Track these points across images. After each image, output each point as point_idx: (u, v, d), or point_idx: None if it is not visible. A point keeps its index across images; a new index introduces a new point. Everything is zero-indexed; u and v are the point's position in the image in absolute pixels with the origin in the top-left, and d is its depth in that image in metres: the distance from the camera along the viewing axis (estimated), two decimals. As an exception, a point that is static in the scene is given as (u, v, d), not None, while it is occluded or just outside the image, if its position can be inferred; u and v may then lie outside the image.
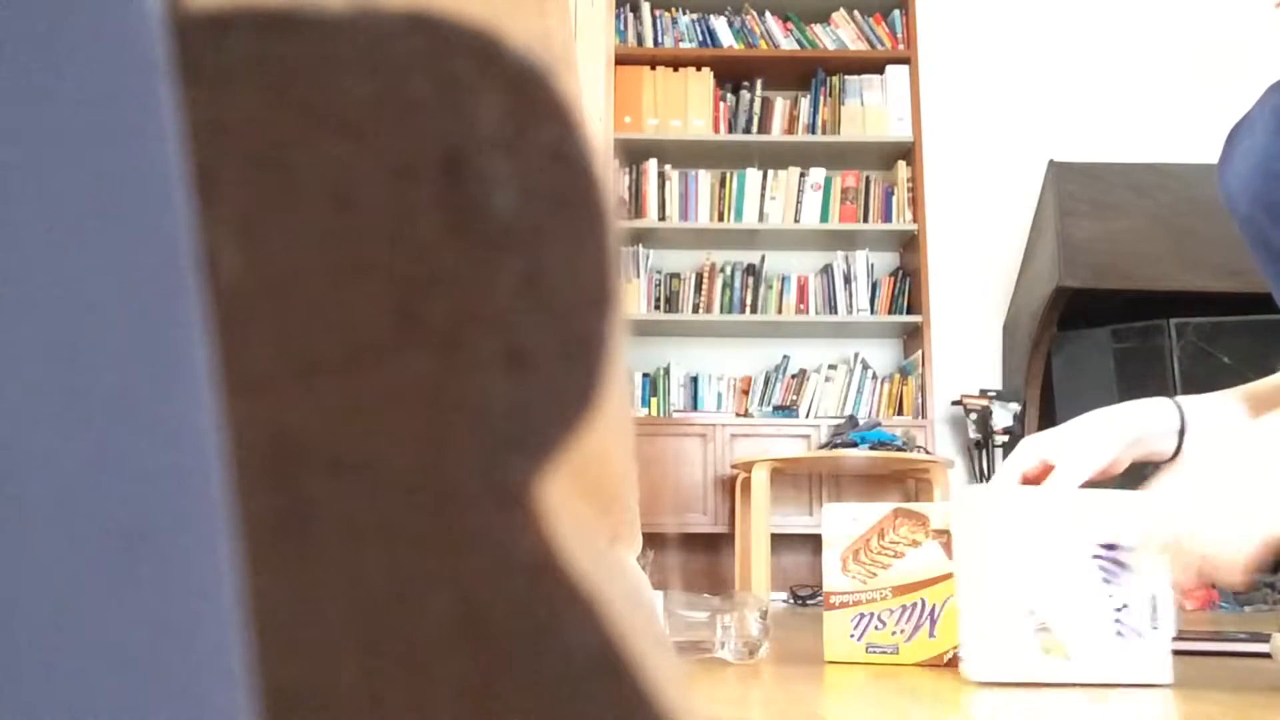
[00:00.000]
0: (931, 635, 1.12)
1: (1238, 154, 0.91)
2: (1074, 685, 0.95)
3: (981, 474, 3.61)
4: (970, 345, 4.03)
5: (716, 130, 4.01)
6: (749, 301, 3.94)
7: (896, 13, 4.12)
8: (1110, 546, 0.96)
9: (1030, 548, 0.96)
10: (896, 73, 4.06)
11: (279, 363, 0.18)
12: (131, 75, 0.12)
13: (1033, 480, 1.02)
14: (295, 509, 0.18)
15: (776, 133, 4.03)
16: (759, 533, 3.02)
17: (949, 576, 1.11)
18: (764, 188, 4.01)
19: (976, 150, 4.16)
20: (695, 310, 3.93)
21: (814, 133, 4.03)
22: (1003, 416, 3.55)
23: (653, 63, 4.04)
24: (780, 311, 3.95)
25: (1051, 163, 3.85)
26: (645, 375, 3.94)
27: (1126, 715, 0.78)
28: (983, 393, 3.71)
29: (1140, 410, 1.03)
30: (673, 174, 4.02)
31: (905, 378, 3.90)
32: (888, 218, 3.98)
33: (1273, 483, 0.85)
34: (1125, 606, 0.96)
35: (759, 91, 4.09)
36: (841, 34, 4.11)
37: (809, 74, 4.10)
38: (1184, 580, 0.88)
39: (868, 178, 4.03)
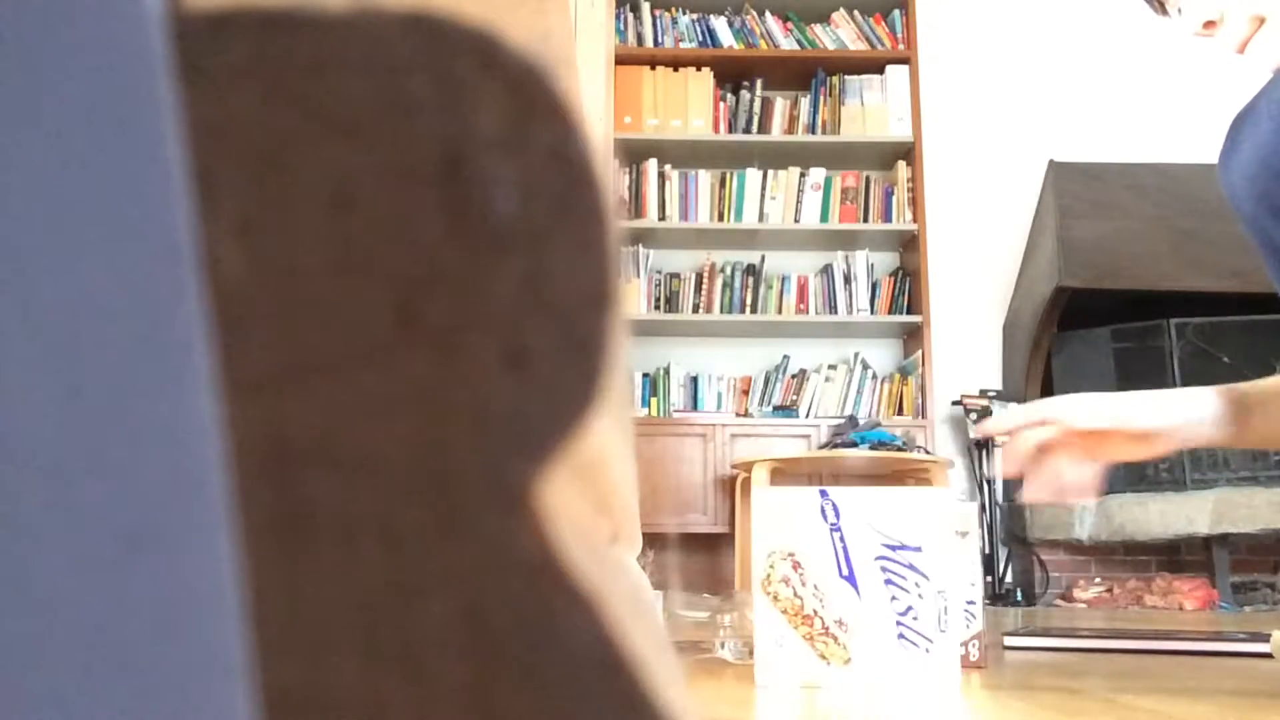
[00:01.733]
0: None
1: (1243, 149, 0.85)
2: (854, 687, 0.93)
3: (982, 474, 3.61)
4: (970, 345, 4.03)
5: (716, 130, 4.01)
6: (749, 301, 3.94)
7: (896, 13, 4.12)
8: (896, 547, 0.94)
9: (814, 550, 0.95)
10: (896, 73, 4.06)
11: (279, 363, 0.18)
12: (131, 75, 0.12)
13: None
14: (295, 509, 0.18)
15: (776, 133, 4.03)
16: (759, 533, 3.01)
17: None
18: (764, 188, 4.01)
19: (976, 150, 4.16)
20: (695, 310, 3.93)
21: (814, 133, 4.03)
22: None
23: (653, 63, 4.04)
24: (780, 311, 3.95)
25: (1051, 163, 3.85)
26: (645, 375, 3.94)
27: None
28: (983, 393, 3.71)
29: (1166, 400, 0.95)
30: (673, 174, 4.02)
31: (905, 378, 3.90)
32: (888, 218, 3.98)
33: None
34: (909, 610, 0.93)
35: (759, 91, 4.08)
36: (841, 34, 4.11)
37: (809, 74, 4.10)
38: None
39: (868, 178, 4.03)
